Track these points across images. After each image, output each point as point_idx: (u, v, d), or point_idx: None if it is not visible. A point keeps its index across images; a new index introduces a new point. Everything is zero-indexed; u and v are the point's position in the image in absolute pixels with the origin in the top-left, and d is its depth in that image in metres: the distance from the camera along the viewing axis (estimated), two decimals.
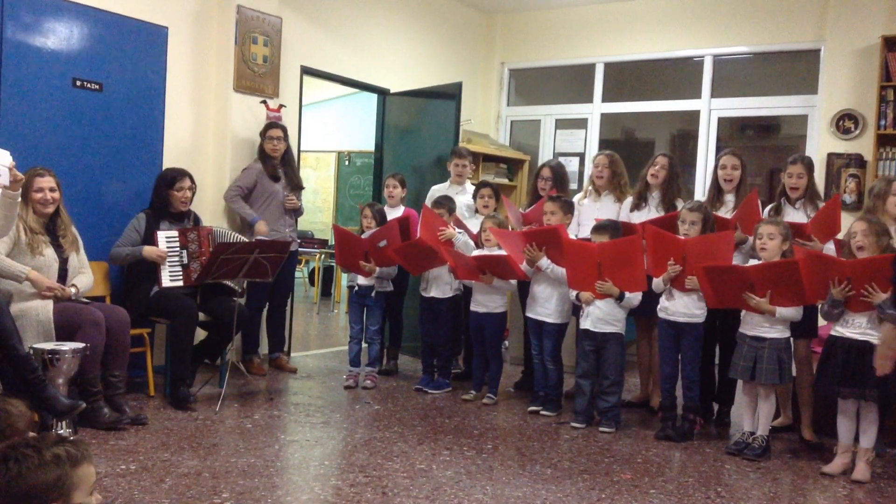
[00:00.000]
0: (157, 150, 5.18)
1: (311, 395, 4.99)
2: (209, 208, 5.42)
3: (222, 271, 4.53)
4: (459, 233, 5.15)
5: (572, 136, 7.88)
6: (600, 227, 4.54)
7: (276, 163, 5.43)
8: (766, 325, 4.03)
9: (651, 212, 4.88)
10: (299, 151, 6.17)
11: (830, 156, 6.12)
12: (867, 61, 6.04)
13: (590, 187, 5.28)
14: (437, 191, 5.79)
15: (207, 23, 5.48)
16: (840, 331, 3.84)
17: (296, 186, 5.59)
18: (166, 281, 4.62)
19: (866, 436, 3.83)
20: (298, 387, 5.22)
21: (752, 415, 4.15)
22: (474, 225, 5.33)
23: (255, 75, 5.63)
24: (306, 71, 6.16)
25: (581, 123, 7.79)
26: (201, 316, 4.73)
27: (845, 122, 6.16)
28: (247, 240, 4.98)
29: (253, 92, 5.61)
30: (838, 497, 3.61)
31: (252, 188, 5.37)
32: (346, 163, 10.76)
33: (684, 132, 7.55)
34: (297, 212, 5.57)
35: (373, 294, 5.28)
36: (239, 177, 5.42)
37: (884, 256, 3.71)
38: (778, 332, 4.02)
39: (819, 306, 3.92)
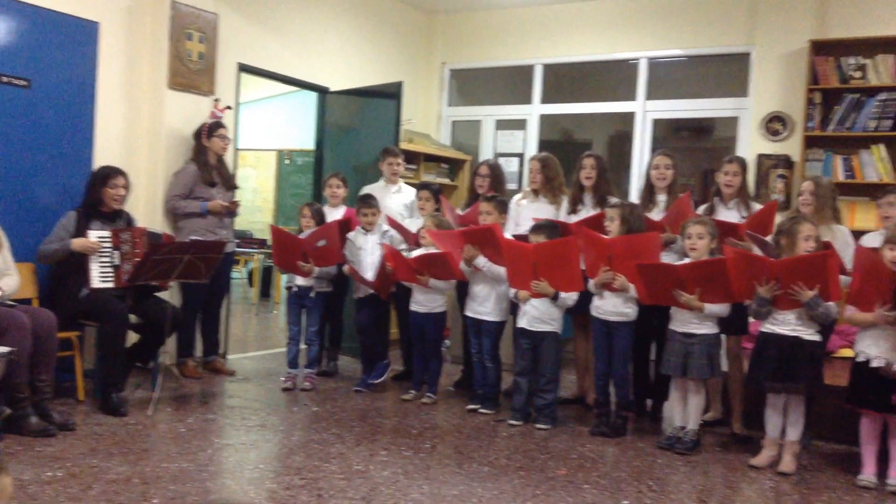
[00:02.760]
0: (88, 148, 5.06)
1: (248, 398, 4.92)
2: (143, 208, 5.29)
3: (155, 272, 4.44)
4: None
5: (512, 136, 7.94)
6: (538, 228, 4.59)
7: (212, 164, 5.34)
8: (695, 321, 4.12)
9: (589, 212, 4.95)
10: (236, 150, 6.08)
11: (760, 157, 6.30)
12: (795, 65, 6.23)
13: (528, 189, 5.34)
14: (369, 190, 5.78)
15: (140, 18, 5.36)
16: (771, 327, 3.94)
17: (231, 187, 5.50)
18: (96, 282, 4.50)
19: (793, 429, 3.95)
20: (235, 389, 5.14)
21: (683, 410, 4.24)
22: (412, 225, 5.34)
23: (191, 72, 5.53)
24: (244, 68, 6.07)
25: (520, 124, 7.85)
26: (133, 318, 4.64)
27: (774, 124, 6.34)
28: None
29: (188, 89, 5.51)
30: (765, 489, 3.71)
31: (188, 194, 5.27)
32: (287, 162, 10.65)
33: (621, 133, 7.68)
34: (232, 212, 5.48)
35: (312, 294, 5.25)
36: (174, 183, 5.31)
37: (811, 255, 3.82)
38: (707, 328, 4.12)
39: (748, 305, 4.02)
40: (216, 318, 5.64)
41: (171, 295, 5.04)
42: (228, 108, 5.62)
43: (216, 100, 5.57)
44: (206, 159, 5.34)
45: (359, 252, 5.19)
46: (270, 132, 10.63)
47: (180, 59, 5.44)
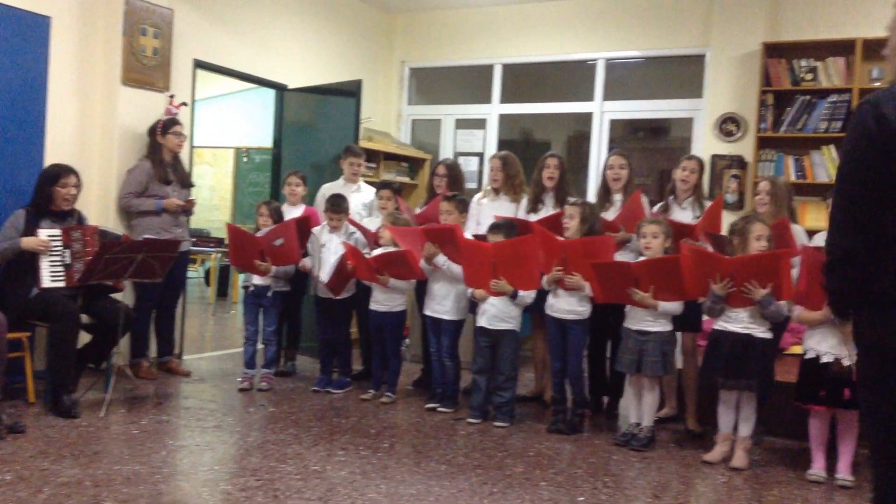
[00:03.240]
0: (38, 145, 4.95)
1: (204, 399, 4.86)
2: (95, 207, 5.20)
3: (107, 272, 4.36)
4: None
5: (472, 136, 7.96)
6: (496, 227, 4.61)
7: (167, 161, 5.27)
8: (649, 318, 4.18)
9: (549, 212, 4.98)
10: (192, 147, 6.00)
11: (714, 157, 6.39)
12: (748, 67, 6.33)
13: (488, 187, 5.36)
14: (329, 189, 5.75)
15: (93, 13, 5.26)
16: (724, 325, 4.01)
17: (186, 184, 5.43)
18: (47, 281, 4.41)
19: (745, 425, 4.02)
20: (190, 390, 5.08)
21: (638, 406, 4.30)
22: (371, 224, 5.32)
23: (145, 68, 5.44)
24: (199, 65, 5.99)
25: (480, 123, 7.88)
26: (85, 318, 4.55)
27: (728, 125, 6.44)
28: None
29: (142, 85, 5.42)
30: (717, 484, 3.77)
31: (142, 192, 5.19)
32: (245, 159, 10.54)
33: (579, 133, 7.74)
34: (187, 211, 5.41)
35: (269, 294, 5.20)
36: (127, 181, 5.22)
37: (764, 254, 3.90)
38: (661, 326, 4.18)
39: (702, 303, 4.08)
40: (171, 318, 5.55)
41: (124, 294, 4.95)
42: (184, 104, 5.54)
43: (171, 96, 5.50)
44: (161, 156, 5.26)
45: (321, 249, 5.17)
46: (228, 129, 10.52)
47: (134, 54, 5.35)
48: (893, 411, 1.98)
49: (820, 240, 4.26)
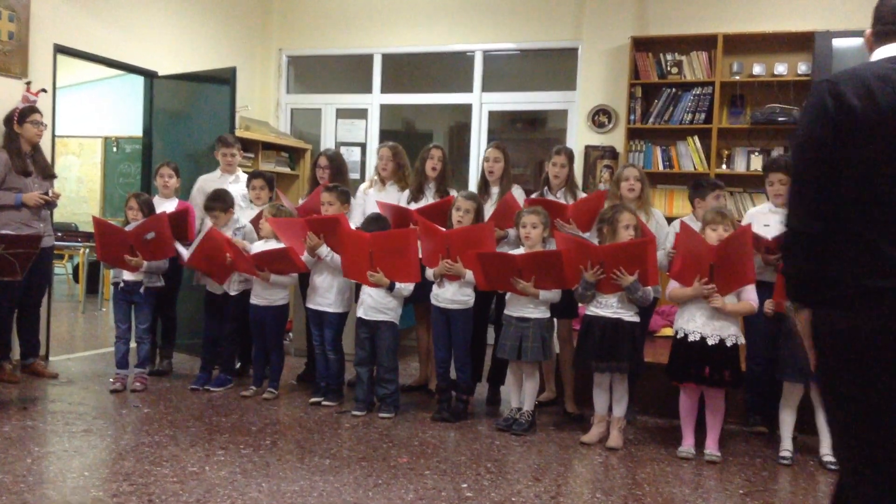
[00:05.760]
0: None
1: (72, 402, 4.63)
2: None
3: None
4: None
5: (354, 125, 7.90)
6: (370, 221, 4.61)
7: (26, 151, 4.96)
8: (530, 306, 4.28)
9: (429, 202, 5.01)
10: (53, 137, 5.66)
11: (587, 148, 6.60)
12: (618, 60, 6.56)
13: (375, 177, 5.35)
14: (206, 181, 5.58)
15: None
16: (595, 310, 4.16)
17: (47, 176, 5.12)
18: None
19: (618, 406, 4.19)
20: (58, 393, 4.82)
21: (519, 391, 4.40)
22: (249, 216, 5.20)
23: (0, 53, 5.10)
24: (61, 49, 5.66)
25: (362, 113, 7.82)
26: None
27: (600, 117, 6.66)
28: None
29: None
30: (595, 464, 3.92)
31: (0, 184, 4.87)
32: (115, 149, 10.06)
33: (461, 124, 7.82)
34: (50, 204, 5.11)
35: (141, 290, 4.99)
36: None
37: (632, 242, 4.06)
38: (541, 313, 4.29)
39: (574, 289, 4.22)
40: (35, 318, 5.24)
41: None
42: (43, 91, 5.23)
43: (28, 83, 5.18)
44: (19, 147, 4.95)
45: None
46: (96, 118, 10.01)
47: None
48: (859, 410, 1.89)
49: (690, 222, 4.45)
